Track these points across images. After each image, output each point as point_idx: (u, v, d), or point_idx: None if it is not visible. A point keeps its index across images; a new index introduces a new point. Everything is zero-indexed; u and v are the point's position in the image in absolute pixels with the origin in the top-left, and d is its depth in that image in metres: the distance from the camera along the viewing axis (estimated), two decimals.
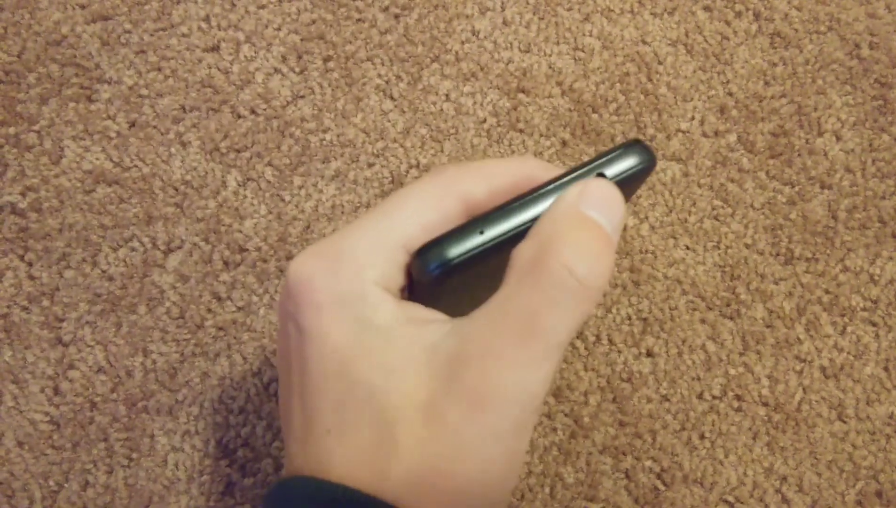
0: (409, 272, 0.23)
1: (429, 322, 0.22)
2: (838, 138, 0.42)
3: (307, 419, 0.22)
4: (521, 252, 0.21)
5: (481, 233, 0.22)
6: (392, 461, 0.21)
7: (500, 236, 0.22)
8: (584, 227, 0.20)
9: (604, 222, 0.21)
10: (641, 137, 0.37)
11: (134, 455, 0.38)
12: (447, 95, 0.42)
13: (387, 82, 0.42)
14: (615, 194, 0.21)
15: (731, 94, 0.42)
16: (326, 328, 0.21)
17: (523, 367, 0.20)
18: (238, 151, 0.41)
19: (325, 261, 0.22)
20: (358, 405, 0.21)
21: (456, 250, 0.22)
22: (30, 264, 0.39)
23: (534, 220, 0.22)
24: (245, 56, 0.42)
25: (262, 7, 0.42)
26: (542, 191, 0.22)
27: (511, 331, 0.20)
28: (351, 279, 0.21)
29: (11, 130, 0.41)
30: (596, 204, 0.21)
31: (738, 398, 0.38)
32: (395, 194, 0.23)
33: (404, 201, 0.23)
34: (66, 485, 0.38)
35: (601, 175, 0.22)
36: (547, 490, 0.37)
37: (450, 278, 0.22)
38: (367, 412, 0.21)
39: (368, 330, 0.21)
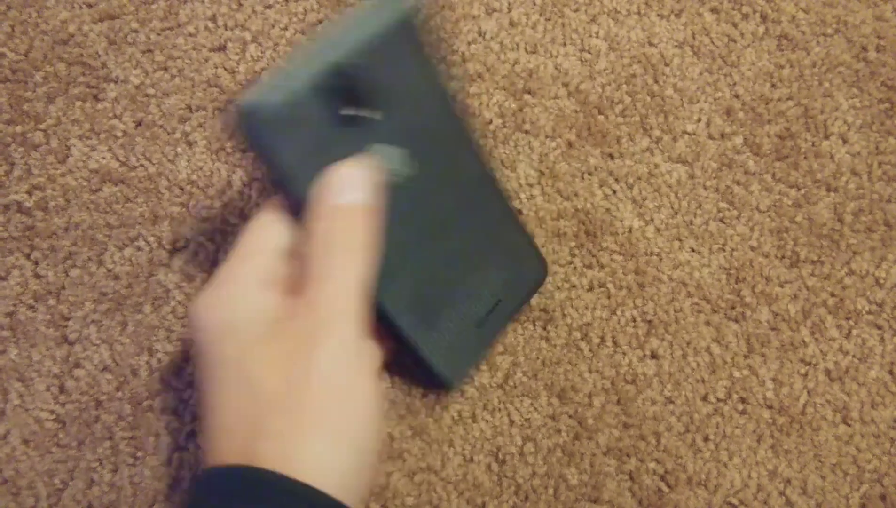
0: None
1: (278, 306, 0.28)
2: (845, 141, 0.42)
3: (204, 410, 0.27)
4: (306, 254, 0.28)
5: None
6: (265, 418, 0.25)
7: (286, 77, 0.28)
8: (335, 216, 0.28)
9: (351, 198, 0.28)
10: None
11: (139, 454, 0.38)
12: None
13: None
14: (352, 172, 0.28)
15: (737, 96, 0.42)
16: (206, 337, 0.27)
17: (339, 297, 0.27)
18: (243, 150, 0.41)
19: (206, 290, 0.29)
20: (231, 378, 0.26)
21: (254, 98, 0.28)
22: (36, 263, 0.40)
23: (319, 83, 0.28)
24: (251, 56, 0.42)
25: (269, 7, 0.42)
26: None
27: (324, 281, 0.27)
28: (223, 289, 0.28)
29: (18, 128, 0.41)
30: (340, 191, 0.28)
31: (743, 400, 0.38)
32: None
33: (250, 229, 0.30)
34: (71, 483, 0.38)
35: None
36: (551, 491, 0.37)
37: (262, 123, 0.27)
38: (237, 382, 0.26)
39: (235, 315, 0.27)
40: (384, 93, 0.29)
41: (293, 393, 0.25)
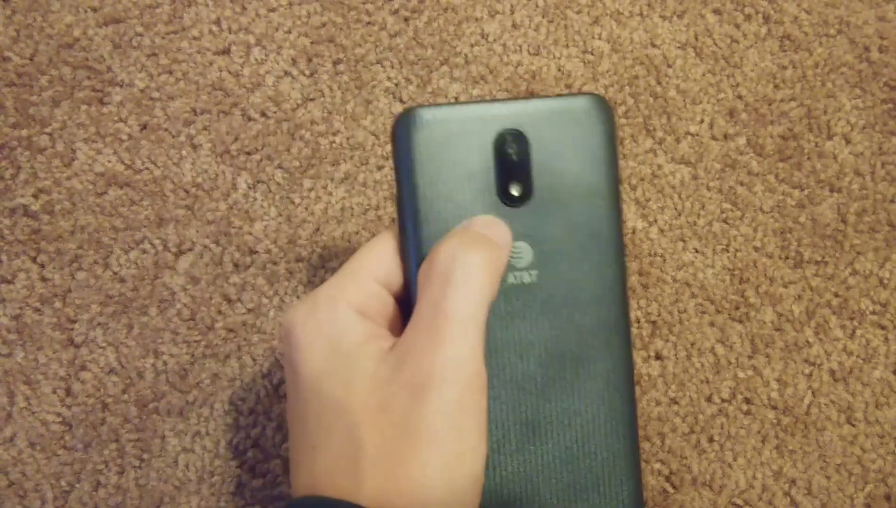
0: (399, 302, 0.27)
1: (386, 335, 0.26)
2: (848, 142, 0.42)
3: (298, 441, 0.25)
4: (421, 268, 0.25)
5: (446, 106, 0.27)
6: (361, 463, 0.23)
7: (463, 107, 0.27)
8: (465, 233, 0.25)
9: (488, 233, 0.26)
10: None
11: (145, 456, 0.38)
12: (457, 98, 0.42)
13: (396, 85, 0.42)
14: (496, 221, 0.26)
15: (740, 97, 0.42)
16: (306, 359, 0.25)
17: (443, 349, 0.23)
18: (248, 153, 0.41)
19: (305, 304, 0.26)
20: (330, 420, 0.24)
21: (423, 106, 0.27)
22: (42, 266, 0.40)
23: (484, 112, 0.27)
24: (255, 59, 0.42)
25: (273, 10, 0.42)
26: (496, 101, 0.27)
27: (427, 324, 0.24)
28: (324, 311, 0.25)
29: (24, 132, 0.41)
30: (478, 226, 0.26)
31: (747, 401, 0.38)
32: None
33: (366, 250, 0.27)
34: (77, 486, 0.38)
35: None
36: None
37: (414, 129, 0.26)
38: (337, 424, 0.24)
39: (336, 353, 0.25)
40: (546, 176, 0.27)
41: (397, 451, 0.23)
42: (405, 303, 0.27)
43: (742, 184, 0.41)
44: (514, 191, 0.26)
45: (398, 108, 0.42)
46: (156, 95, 0.41)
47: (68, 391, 0.39)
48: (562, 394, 0.27)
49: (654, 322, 0.39)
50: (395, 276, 0.27)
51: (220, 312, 0.39)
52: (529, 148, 0.26)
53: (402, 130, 0.26)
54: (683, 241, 0.40)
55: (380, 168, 0.41)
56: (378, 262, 0.27)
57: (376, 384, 0.24)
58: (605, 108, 0.27)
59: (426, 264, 0.25)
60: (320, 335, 0.25)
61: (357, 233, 0.40)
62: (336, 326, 0.25)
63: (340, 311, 0.25)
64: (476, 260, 0.24)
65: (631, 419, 0.27)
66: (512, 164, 0.26)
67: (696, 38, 0.43)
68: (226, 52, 0.42)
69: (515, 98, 0.28)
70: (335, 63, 0.42)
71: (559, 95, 0.27)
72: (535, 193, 0.27)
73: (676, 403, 0.39)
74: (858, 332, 0.39)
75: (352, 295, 0.26)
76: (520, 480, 0.27)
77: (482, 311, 0.24)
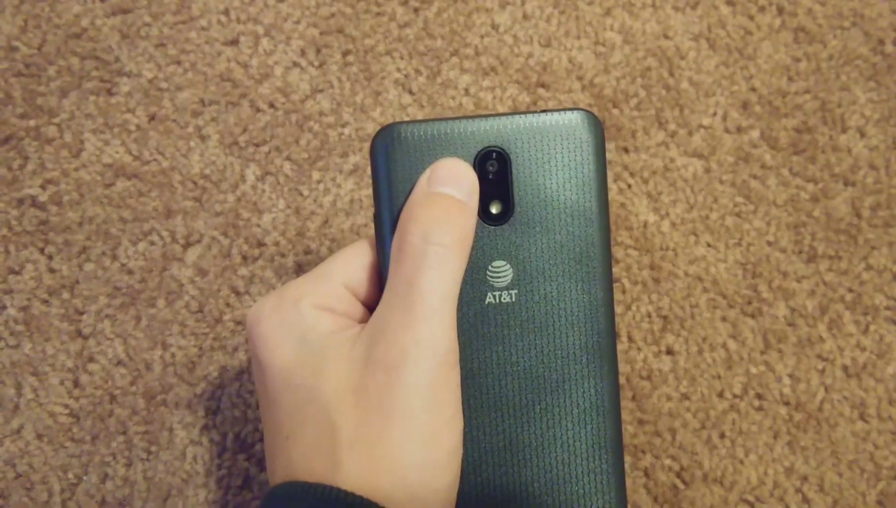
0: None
1: (355, 325, 0.26)
2: (862, 135, 0.41)
3: (272, 433, 0.26)
4: (392, 242, 0.25)
5: (422, 121, 0.26)
6: (338, 446, 0.23)
7: (445, 123, 0.26)
8: (432, 202, 0.25)
9: (453, 191, 0.25)
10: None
11: (153, 449, 0.38)
12: (466, 90, 0.41)
13: (406, 76, 0.41)
14: (461, 168, 0.26)
15: (753, 89, 0.41)
16: (272, 353, 0.25)
17: (417, 326, 0.23)
18: (257, 145, 0.41)
19: (270, 300, 0.26)
20: (302, 408, 0.24)
21: (402, 122, 0.26)
22: (50, 257, 0.40)
23: (462, 126, 0.26)
24: (264, 50, 0.41)
25: (281, 0, 0.42)
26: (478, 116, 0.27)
27: (398, 303, 0.24)
28: (290, 308, 0.26)
29: (32, 122, 0.41)
30: (443, 180, 0.25)
31: (759, 396, 0.38)
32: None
33: (338, 255, 0.27)
34: (85, 478, 0.38)
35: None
36: None
37: (391, 146, 0.26)
38: (310, 411, 0.24)
39: (305, 343, 0.25)
40: (529, 194, 0.26)
41: (373, 431, 0.23)
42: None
43: (755, 177, 0.40)
44: (494, 209, 0.26)
45: (408, 99, 0.41)
46: (164, 85, 0.41)
47: (76, 383, 0.38)
48: (542, 417, 0.26)
49: (665, 317, 0.39)
50: (364, 285, 0.27)
51: (228, 304, 0.39)
52: (510, 166, 0.26)
53: (381, 147, 0.26)
54: (696, 235, 0.40)
55: None
56: (349, 268, 0.27)
57: (350, 366, 0.24)
58: (594, 124, 0.26)
59: (398, 239, 0.25)
60: (286, 329, 0.25)
61: (366, 225, 0.40)
62: (302, 321, 0.25)
63: (305, 308, 0.26)
64: (448, 240, 0.24)
65: (616, 442, 0.27)
66: (492, 182, 0.26)
67: (710, 30, 0.42)
68: (234, 42, 0.42)
69: (500, 113, 0.27)
70: (344, 54, 0.42)
71: (546, 111, 0.27)
72: (517, 211, 0.26)
73: (687, 398, 0.38)
74: (872, 327, 0.39)
75: (318, 296, 0.26)
76: (498, 504, 0.26)
77: (455, 289, 0.24)
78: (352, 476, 0.23)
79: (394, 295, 0.24)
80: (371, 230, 0.40)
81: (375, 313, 0.25)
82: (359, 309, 0.27)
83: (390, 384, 0.23)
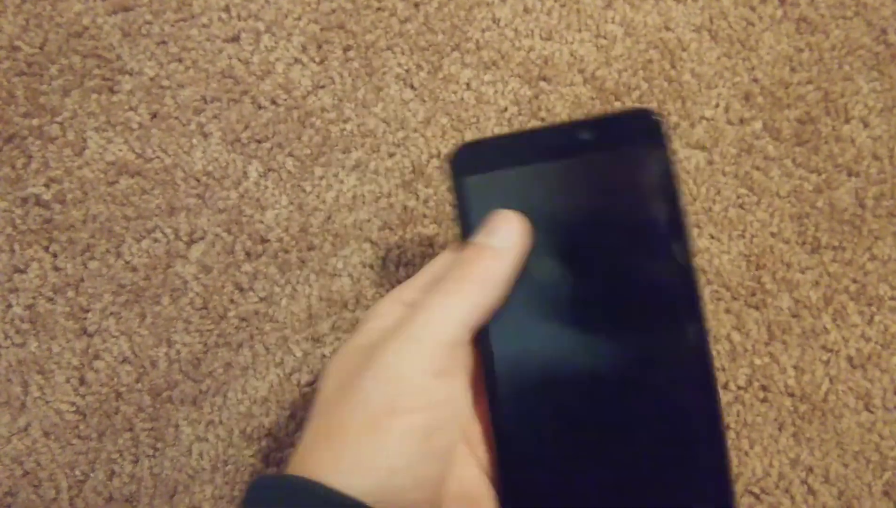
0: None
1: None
2: (865, 125, 0.41)
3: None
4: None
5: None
6: (328, 437, 0.24)
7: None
8: (472, 247, 0.27)
9: (494, 242, 0.27)
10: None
11: (159, 445, 0.38)
12: (468, 84, 0.41)
13: (407, 71, 0.41)
14: (509, 219, 0.27)
15: (756, 80, 0.41)
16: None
17: (410, 344, 0.25)
18: (259, 141, 0.41)
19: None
20: (321, 403, 0.26)
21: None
22: (54, 256, 0.40)
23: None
24: (265, 46, 0.41)
25: None
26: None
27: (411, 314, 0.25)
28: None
29: (35, 121, 0.41)
30: (488, 232, 0.27)
31: (764, 388, 0.38)
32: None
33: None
34: (91, 475, 0.38)
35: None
36: None
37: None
38: (320, 407, 0.25)
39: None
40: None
41: (341, 407, 0.24)
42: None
43: (758, 169, 0.40)
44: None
45: (409, 94, 0.41)
46: (166, 83, 0.41)
47: (82, 381, 0.39)
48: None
49: None
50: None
51: (232, 301, 0.39)
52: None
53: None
54: (699, 227, 0.40)
55: (391, 155, 0.41)
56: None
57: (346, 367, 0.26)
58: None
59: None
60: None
61: (369, 221, 0.40)
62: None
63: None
64: (459, 276, 0.26)
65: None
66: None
67: (711, 21, 0.42)
68: (235, 39, 0.42)
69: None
70: (345, 50, 0.42)
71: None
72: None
73: None
74: (877, 318, 0.39)
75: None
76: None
77: (460, 318, 0.25)
78: (327, 464, 0.24)
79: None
80: (379, 223, 0.40)
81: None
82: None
83: (370, 377, 0.24)
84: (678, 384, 0.24)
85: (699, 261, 0.39)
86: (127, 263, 0.40)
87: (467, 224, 0.27)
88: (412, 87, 0.41)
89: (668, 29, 0.42)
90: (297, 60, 0.41)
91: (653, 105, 0.41)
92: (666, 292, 0.25)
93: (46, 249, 0.40)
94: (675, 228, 0.25)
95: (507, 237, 0.27)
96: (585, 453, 0.25)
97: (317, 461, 0.24)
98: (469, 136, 0.41)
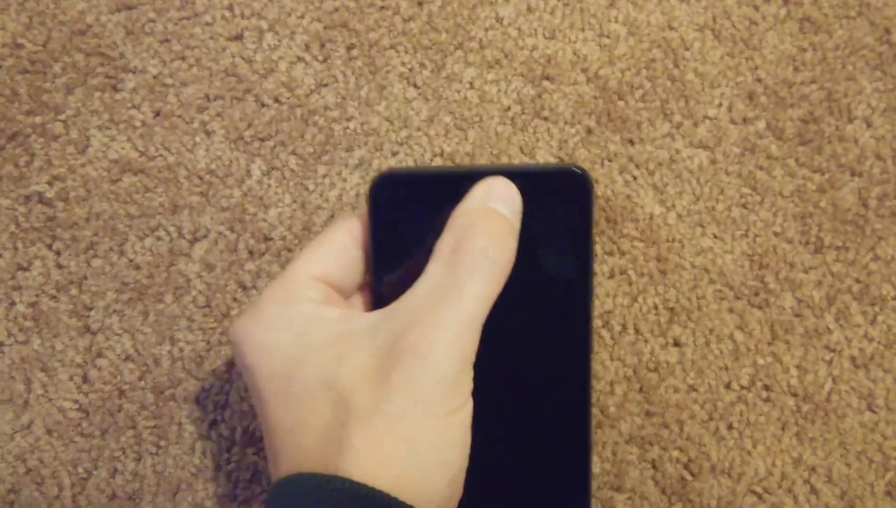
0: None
1: (366, 313, 0.27)
2: (869, 125, 0.41)
3: (274, 428, 0.26)
4: (444, 243, 0.26)
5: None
6: (349, 425, 0.24)
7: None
8: (492, 217, 0.27)
9: (506, 212, 0.27)
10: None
11: (162, 443, 0.38)
12: (471, 83, 0.41)
13: (410, 70, 0.41)
14: (513, 191, 0.28)
15: (759, 80, 0.41)
16: (266, 356, 0.26)
17: (456, 325, 0.25)
18: (262, 139, 0.41)
19: (250, 313, 0.27)
20: (314, 396, 0.25)
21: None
22: (58, 253, 0.40)
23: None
24: (268, 45, 0.41)
25: None
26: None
27: (444, 301, 0.25)
28: (279, 308, 0.27)
29: (38, 119, 0.41)
30: (500, 198, 0.27)
31: (767, 388, 0.38)
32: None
33: (305, 253, 0.29)
34: (94, 472, 0.38)
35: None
36: None
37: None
38: (323, 397, 0.25)
39: (309, 336, 0.26)
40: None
41: (384, 410, 0.24)
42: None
43: (761, 168, 0.40)
44: None
45: (412, 93, 0.41)
46: (169, 81, 0.41)
47: (85, 378, 0.39)
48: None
49: (672, 309, 0.39)
50: (340, 273, 0.29)
51: (235, 299, 0.39)
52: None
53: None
54: (702, 226, 0.40)
55: (394, 154, 0.41)
56: (321, 261, 0.29)
57: (371, 355, 0.25)
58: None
59: (454, 241, 0.26)
60: (281, 327, 0.26)
61: None
62: (301, 316, 0.26)
63: (303, 304, 0.27)
64: (500, 259, 0.26)
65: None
66: None
67: (714, 21, 0.42)
68: (238, 37, 0.42)
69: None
70: (348, 48, 0.42)
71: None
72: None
73: (695, 390, 0.38)
74: (880, 318, 0.39)
75: (312, 290, 0.27)
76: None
77: (491, 303, 0.26)
78: (362, 453, 0.23)
79: (438, 292, 0.25)
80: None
81: (405, 304, 0.26)
82: (334, 295, 0.29)
83: (418, 367, 0.24)
84: (550, 408, 0.30)
85: (703, 260, 0.39)
86: (130, 261, 0.40)
87: (379, 257, 0.29)
88: (415, 85, 0.41)
89: (671, 28, 0.42)
90: (300, 59, 0.41)
91: (656, 104, 0.41)
92: (557, 334, 0.29)
93: (49, 246, 0.40)
94: (581, 279, 0.29)
95: (516, 209, 0.28)
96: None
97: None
98: (471, 135, 0.41)
